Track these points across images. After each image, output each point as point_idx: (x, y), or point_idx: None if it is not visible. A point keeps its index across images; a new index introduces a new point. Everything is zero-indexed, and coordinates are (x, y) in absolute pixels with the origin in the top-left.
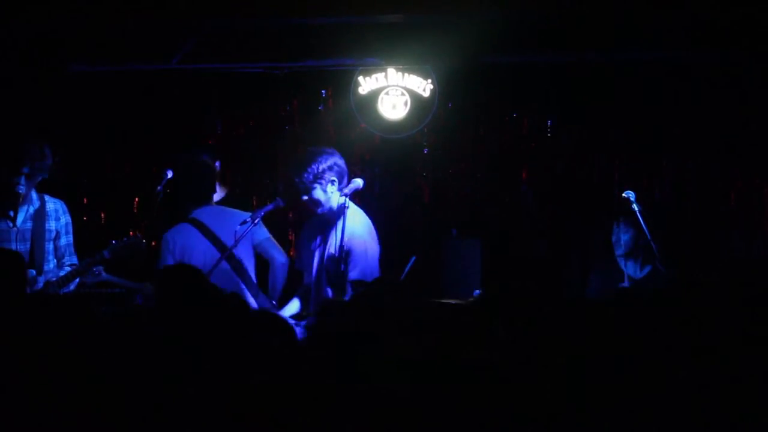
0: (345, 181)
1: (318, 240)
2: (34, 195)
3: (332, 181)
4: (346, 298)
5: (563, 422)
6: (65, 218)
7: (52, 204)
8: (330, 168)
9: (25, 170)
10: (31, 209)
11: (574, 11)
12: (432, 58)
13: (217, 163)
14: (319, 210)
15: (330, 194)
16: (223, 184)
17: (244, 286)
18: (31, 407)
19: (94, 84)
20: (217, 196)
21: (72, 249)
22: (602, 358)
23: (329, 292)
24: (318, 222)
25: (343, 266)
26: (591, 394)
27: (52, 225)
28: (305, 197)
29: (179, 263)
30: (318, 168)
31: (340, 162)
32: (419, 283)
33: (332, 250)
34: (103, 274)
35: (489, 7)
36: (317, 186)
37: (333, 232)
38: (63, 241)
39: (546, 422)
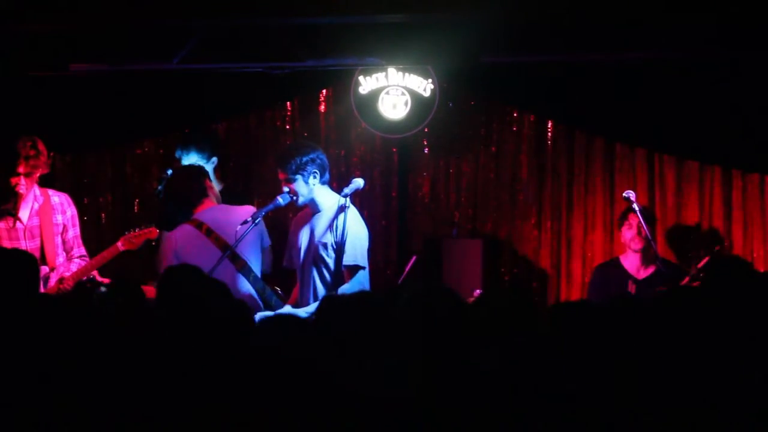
0: (327, 175)
1: (301, 236)
2: (37, 191)
3: (314, 174)
4: (339, 291)
5: (565, 423)
6: (71, 210)
7: (57, 198)
8: (312, 161)
9: (22, 170)
10: (36, 205)
11: (573, 11)
12: (432, 58)
13: (214, 159)
14: (300, 202)
15: (311, 186)
16: (219, 177)
17: (248, 284)
18: (38, 408)
19: (94, 84)
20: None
21: (80, 240)
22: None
23: (315, 285)
24: (302, 219)
25: (339, 263)
26: (592, 395)
27: (59, 218)
28: (287, 188)
29: (183, 264)
30: (300, 160)
31: (323, 156)
32: (419, 283)
33: (324, 242)
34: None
35: (489, 7)
36: (299, 177)
37: (317, 227)
38: (71, 233)
39: (547, 423)
